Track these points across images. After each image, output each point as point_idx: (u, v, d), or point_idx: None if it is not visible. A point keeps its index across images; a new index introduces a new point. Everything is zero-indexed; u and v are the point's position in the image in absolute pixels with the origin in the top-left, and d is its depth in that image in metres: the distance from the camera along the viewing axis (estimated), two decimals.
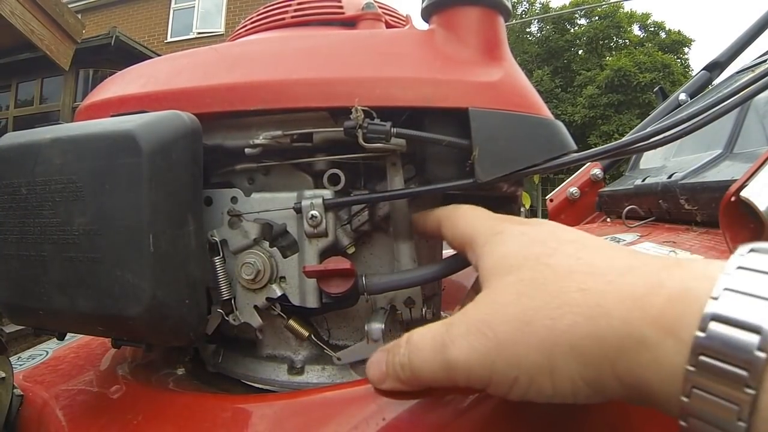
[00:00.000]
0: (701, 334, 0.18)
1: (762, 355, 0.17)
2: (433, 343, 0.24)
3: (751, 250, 0.20)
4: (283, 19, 0.43)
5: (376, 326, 0.34)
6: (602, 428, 0.30)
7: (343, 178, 0.35)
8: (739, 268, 0.19)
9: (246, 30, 0.45)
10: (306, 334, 0.36)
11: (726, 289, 0.18)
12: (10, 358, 0.40)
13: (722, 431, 0.18)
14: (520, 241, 0.25)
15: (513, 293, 0.23)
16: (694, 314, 0.18)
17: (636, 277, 0.21)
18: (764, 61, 0.97)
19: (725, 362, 0.17)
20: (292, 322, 0.36)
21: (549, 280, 0.23)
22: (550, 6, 15.86)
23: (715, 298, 0.18)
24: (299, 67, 0.33)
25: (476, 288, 0.29)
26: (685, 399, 0.18)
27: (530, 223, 0.27)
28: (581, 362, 0.21)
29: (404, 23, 0.46)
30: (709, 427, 0.18)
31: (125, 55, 5.44)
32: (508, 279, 0.24)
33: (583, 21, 14.94)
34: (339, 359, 0.35)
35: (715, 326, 0.18)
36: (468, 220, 0.29)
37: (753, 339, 0.17)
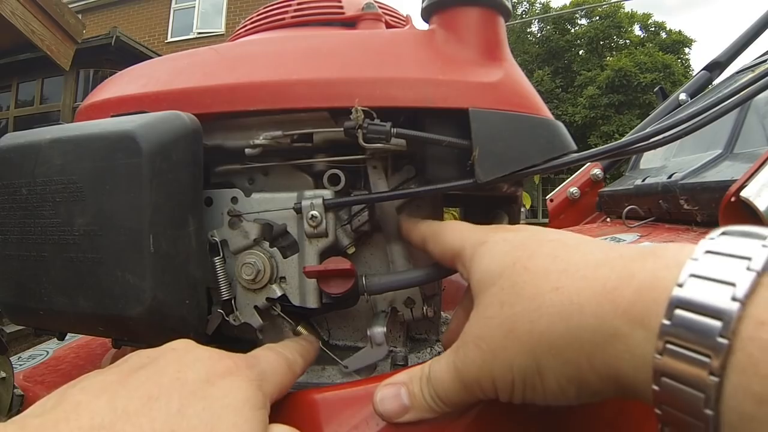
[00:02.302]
0: (667, 322, 0.18)
1: (724, 341, 0.16)
2: (448, 371, 0.26)
3: (723, 233, 0.19)
4: (284, 19, 0.43)
5: (379, 330, 0.34)
6: (601, 426, 0.30)
7: (343, 178, 0.35)
8: (707, 252, 0.19)
9: (246, 30, 0.45)
10: None
11: (692, 274, 0.18)
12: (10, 358, 0.40)
13: (692, 418, 0.18)
14: (502, 248, 0.26)
15: (497, 304, 0.24)
16: (661, 302, 0.19)
17: (608, 270, 0.21)
18: (764, 61, 0.97)
19: (690, 349, 0.17)
20: (301, 329, 0.36)
21: (527, 283, 0.23)
22: (551, 6, 15.86)
23: (681, 285, 0.18)
24: (299, 68, 0.33)
25: (469, 295, 0.30)
26: (655, 387, 0.18)
27: (514, 229, 0.28)
28: (561, 361, 0.22)
29: (404, 23, 0.46)
30: (680, 414, 0.18)
31: (126, 55, 5.44)
32: (492, 290, 0.25)
33: (583, 21, 14.94)
34: (346, 367, 0.35)
35: (680, 313, 0.18)
36: (454, 235, 0.30)
37: (715, 325, 0.17)
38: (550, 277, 0.23)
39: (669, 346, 0.18)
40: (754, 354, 0.16)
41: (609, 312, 0.20)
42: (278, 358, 0.29)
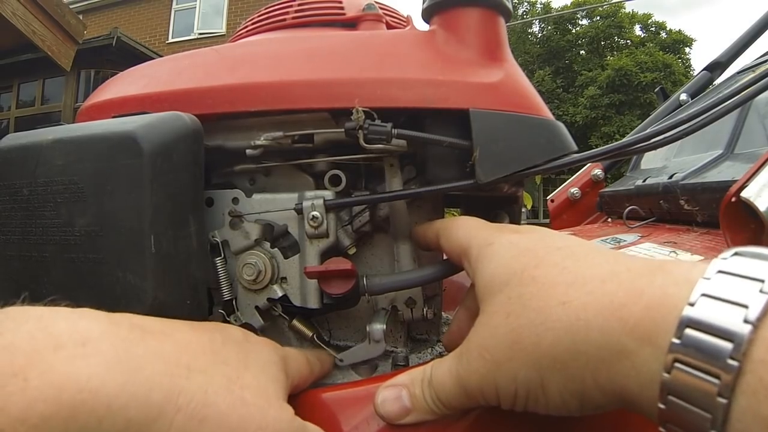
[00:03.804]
0: (677, 341, 0.18)
1: (734, 363, 0.16)
2: (450, 376, 0.26)
3: (735, 254, 0.19)
4: (284, 20, 0.43)
5: (378, 327, 0.34)
6: (603, 430, 0.30)
7: (344, 178, 0.35)
8: (720, 272, 0.19)
9: (247, 31, 0.46)
10: (310, 334, 0.37)
11: (703, 294, 0.18)
12: None
13: None
14: (509, 253, 0.26)
15: (503, 314, 0.24)
16: (671, 321, 0.18)
17: (616, 285, 0.21)
18: (765, 61, 0.97)
19: (699, 369, 0.17)
20: (296, 322, 0.36)
21: (534, 295, 0.23)
22: (552, 6, 15.86)
23: (692, 304, 0.18)
24: (300, 68, 0.33)
25: (471, 295, 0.30)
26: (661, 405, 0.18)
27: (521, 231, 0.28)
28: (565, 375, 0.22)
29: (405, 24, 0.46)
30: None
31: (127, 55, 5.45)
32: (499, 298, 0.25)
33: (584, 21, 14.93)
34: (341, 361, 0.35)
35: (690, 332, 0.18)
36: (463, 232, 0.30)
37: (726, 346, 0.17)
38: (557, 290, 0.23)
39: (677, 365, 0.18)
40: (764, 377, 0.16)
41: (616, 329, 0.20)
42: (299, 352, 0.32)
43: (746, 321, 0.17)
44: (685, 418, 0.18)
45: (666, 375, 0.18)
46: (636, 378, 0.19)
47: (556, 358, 0.22)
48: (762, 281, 0.17)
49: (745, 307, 0.17)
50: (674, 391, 0.18)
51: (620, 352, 0.20)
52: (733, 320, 0.17)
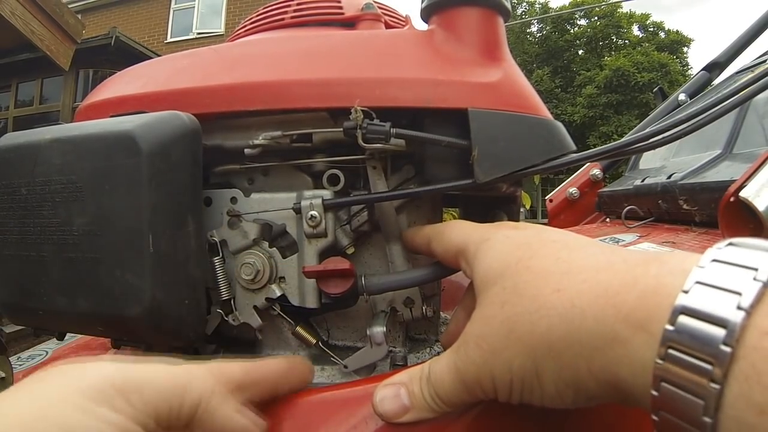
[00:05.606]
0: (670, 328, 0.18)
1: (727, 349, 0.16)
2: (448, 370, 0.26)
3: (730, 244, 0.19)
4: (283, 19, 0.43)
5: (378, 330, 0.34)
6: (600, 428, 0.30)
7: (342, 178, 0.35)
8: (714, 261, 0.19)
9: (246, 30, 0.45)
10: (314, 341, 0.36)
11: (697, 282, 0.18)
12: (9, 358, 0.40)
13: (690, 426, 0.18)
14: (505, 246, 0.26)
15: (498, 303, 0.24)
16: (664, 308, 0.18)
17: (611, 274, 0.21)
18: (764, 61, 0.97)
19: (692, 356, 0.17)
20: (299, 329, 0.36)
21: (528, 284, 0.23)
22: (550, 6, 15.87)
23: (686, 292, 0.18)
24: (299, 68, 0.33)
25: (469, 294, 0.30)
26: (654, 393, 0.18)
27: (517, 227, 0.28)
28: (560, 363, 0.22)
29: (404, 24, 0.46)
30: (678, 421, 0.18)
31: (125, 55, 5.44)
32: (494, 289, 0.25)
33: (583, 21, 14.96)
34: (346, 367, 0.35)
35: (684, 319, 0.18)
36: (456, 233, 0.30)
37: (719, 333, 0.17)
38: (551, 279, 0.23)
39: (671, 351, 0.18)
40: (757, 363, 0.16)
41: (610, 316, 0.20)
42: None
43: (739, 308, 0.17)
44: (677, 405, 0.18)
45: (659, 362, 0.18)
46: (629, 366, 0.19)
47: (551, 346, 0.22)
48: (755, 269, 0.18)
49: (739, 294, 0.17)
50: (667, 377, 0.18)
51: (614, 340, 0.20)
52: (727, 307, 0.17)
